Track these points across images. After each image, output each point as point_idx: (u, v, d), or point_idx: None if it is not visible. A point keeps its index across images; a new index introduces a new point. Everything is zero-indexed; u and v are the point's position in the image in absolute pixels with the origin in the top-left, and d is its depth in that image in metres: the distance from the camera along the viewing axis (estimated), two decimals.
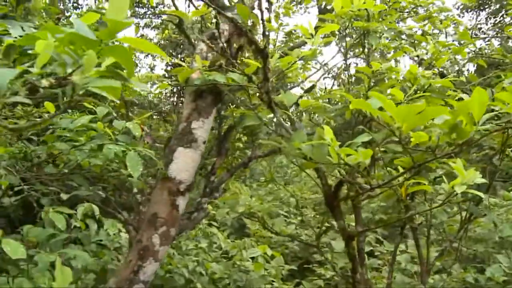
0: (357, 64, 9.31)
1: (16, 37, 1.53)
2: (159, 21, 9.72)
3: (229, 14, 2.52)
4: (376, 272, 6.45)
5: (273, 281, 5.93)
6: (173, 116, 5.55)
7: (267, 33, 1.94)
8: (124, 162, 3.25)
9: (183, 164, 2.58)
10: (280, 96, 2.50)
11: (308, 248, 7.03)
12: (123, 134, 2.43)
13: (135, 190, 4.63)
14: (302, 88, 4.86)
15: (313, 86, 3.51)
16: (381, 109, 1.89)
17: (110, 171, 3.25)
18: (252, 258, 6.14)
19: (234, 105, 5.09)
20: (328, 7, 4.62)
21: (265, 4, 3.29)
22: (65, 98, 1.43)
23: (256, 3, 3.36)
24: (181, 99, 8.40)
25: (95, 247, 6.36)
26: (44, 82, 1.29)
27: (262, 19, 1.94)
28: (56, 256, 2.68)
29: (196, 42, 2.76)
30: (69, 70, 1.22)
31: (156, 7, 9.44)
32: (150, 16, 9.33)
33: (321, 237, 4.79)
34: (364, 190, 2.36)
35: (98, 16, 1.40)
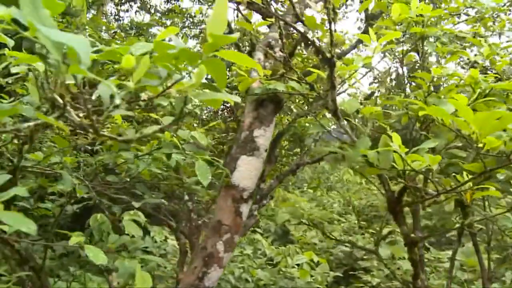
0: (396, 69, 9.18)
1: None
2: (198, 30, 9.84)
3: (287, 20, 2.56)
4: None
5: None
6: (220, 124, 5.62)
7: (335, 42, 1.97)
8: (176, 170, 3.33)
9: (246, 172, 2.63)
10: (341, 103, 2.51)
11: (352, 254, 6.98)
12: (188, 143, 2.49)
13: (185, 197, 4.72)
14: (348, 95, 4.86)
15: (372, 93, 3.51)
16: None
17: (160, 179, 3.32)
18: (297, 264, 6.14)
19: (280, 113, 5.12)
20: (374, 12, 4.61)
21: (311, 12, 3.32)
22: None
23: (306, 11, 3.39)
24: (220, 107, 8.47)
25: (141, 254, 6.51)
26: (144, 96, 1.36)
27: (330, 29, 1.96)
28: (136, 262, 2.76)
29: (255, 51, 2.81)
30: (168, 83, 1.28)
31: (195, 16, 9.60)
32: (190, 26, 9.50)
33: (380, 243, 4.75)
34: (430, 196, 2.34)
35: (178, 30, 1.46)
